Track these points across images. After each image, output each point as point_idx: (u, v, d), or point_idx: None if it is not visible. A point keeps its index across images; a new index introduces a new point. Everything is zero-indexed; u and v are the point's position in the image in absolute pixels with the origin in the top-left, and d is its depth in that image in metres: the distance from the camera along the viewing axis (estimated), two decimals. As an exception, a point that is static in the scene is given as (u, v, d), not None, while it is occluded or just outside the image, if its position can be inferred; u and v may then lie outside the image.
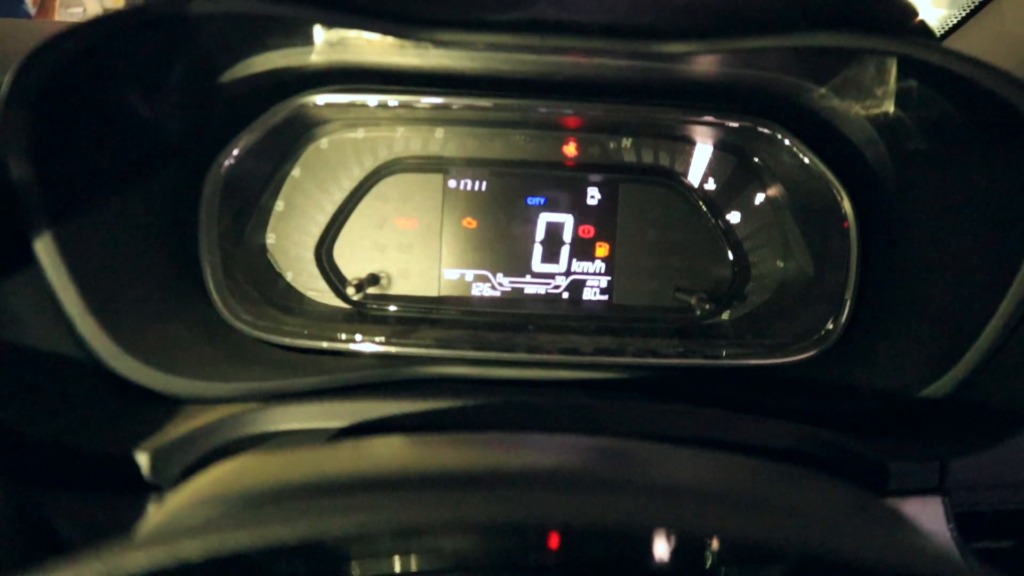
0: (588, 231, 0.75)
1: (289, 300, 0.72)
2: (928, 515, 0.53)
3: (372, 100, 0.66)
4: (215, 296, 0.64)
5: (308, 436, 0.52)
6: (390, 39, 0.55)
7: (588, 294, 0.75)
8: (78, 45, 0.45)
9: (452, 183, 0.73)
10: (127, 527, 0.31)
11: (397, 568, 0.41)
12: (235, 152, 0.65)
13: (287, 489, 0.29)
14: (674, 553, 0.39)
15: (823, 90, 0.62)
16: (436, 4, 0.50)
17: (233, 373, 0.56)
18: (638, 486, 0.31)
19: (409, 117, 0.71)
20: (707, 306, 0.72)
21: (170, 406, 0.52)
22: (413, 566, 0.40)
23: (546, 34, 0.53)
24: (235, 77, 0.59)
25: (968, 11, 0.86)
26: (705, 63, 0.60)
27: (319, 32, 0.56)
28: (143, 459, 0.45)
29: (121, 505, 0.45)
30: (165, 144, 0.58)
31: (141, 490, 0.46)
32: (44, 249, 0.46)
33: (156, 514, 0.32)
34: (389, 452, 0.36)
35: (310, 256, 0.73)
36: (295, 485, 0.30)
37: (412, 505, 0.26)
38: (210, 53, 0.56)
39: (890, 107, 0.58)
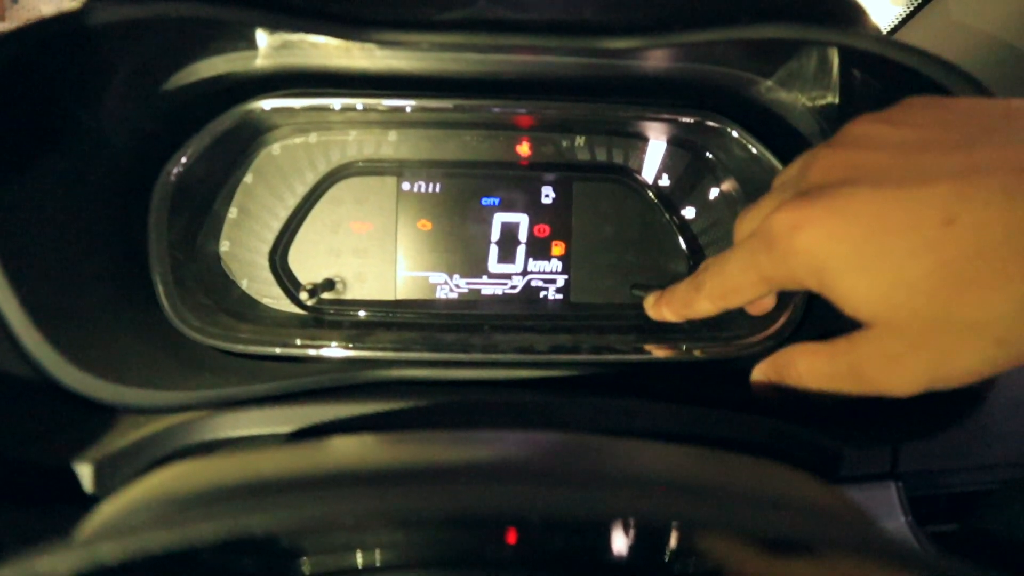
0: (543, 230, 0.75)
1: (244, 307, 0.71)
2: (881, 500, 0.53)
3: (322, 104, 0.66)
4: (165, 304, 0.63)
5: (259, 442, 0.52)
6: (334, 41, 0.55)
7: (545, 293, 0.75)
8: (8, 54, 0.44)
9: (406, 185, 0.73)
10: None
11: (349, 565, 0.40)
12: (183, 160, 0.64)
13: (216, 491, 0.29)
14: (633, 546, 0.39)
15: (769, 83, 0.62)
16: (376, 5, 0.50)
17: (185, 381, 0.55)
18: (580, 477, 0.31)
19: (361, 120, 0.71)
20: None
21: (117, 415, 0.51)
22: (359, 564, 0.40)
23: (488, 32, 0.53)
24: (179, 84, 0.58)
25: (916, 5, 0.88)
26: (652, 58, 0.61)
27: (262, 36, 0.55)
28: (86, 470, 0.44)
29: (63, 517, 0.44)
30: (110, 153, 0.57)
31: (86, 502, 0.45)
32: (-20, 259, 0.45)
33: (82, 523, 0.31)
34: (327, 451, 0.36)
35: (264, 262, 0.72)
36: (226, 487, 0.29)
37: (332, 500, 0.25)
38: (151, 59, 0.55)
39: (834, 99, 0.59)
